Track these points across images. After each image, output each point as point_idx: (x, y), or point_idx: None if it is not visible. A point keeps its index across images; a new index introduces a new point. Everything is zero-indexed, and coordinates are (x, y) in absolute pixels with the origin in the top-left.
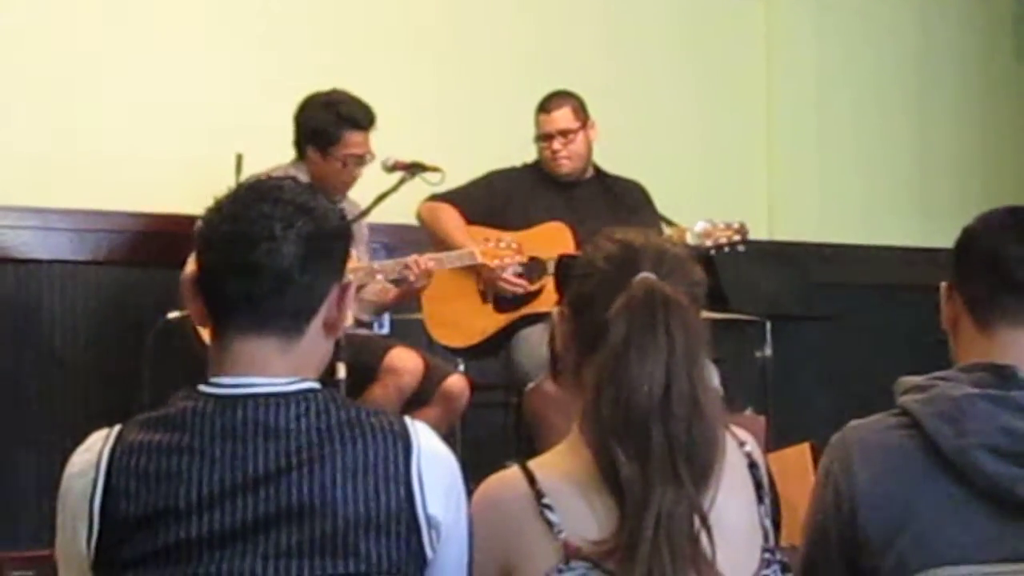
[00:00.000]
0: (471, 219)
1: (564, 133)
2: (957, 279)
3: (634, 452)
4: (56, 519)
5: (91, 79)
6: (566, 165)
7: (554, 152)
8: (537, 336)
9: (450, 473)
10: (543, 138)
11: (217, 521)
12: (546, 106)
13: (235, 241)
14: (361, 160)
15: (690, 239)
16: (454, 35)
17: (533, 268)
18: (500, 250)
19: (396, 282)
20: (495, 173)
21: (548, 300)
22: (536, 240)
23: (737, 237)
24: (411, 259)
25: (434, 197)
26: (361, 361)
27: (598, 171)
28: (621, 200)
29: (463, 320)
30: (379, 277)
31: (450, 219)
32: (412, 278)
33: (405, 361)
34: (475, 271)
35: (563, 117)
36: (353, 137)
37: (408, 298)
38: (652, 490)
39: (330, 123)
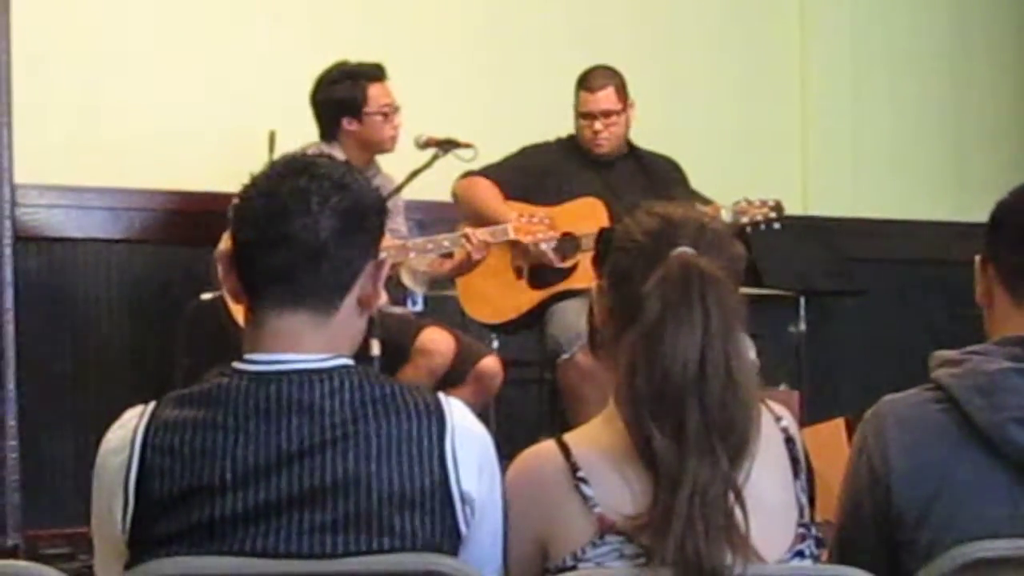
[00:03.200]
0: (507, 194)
1: (607, 114)
2: (991, 253)
3: (669, 427)
4: (91, 496)
5: (124, 58)
6: (605, 146)
7: (595, 132)
8: (571, 309)
9: (484, 449)
10: (584, 116)
11: (252, 498)
12: (590, 84)
13: (271, 215)
14: (395, 109)
15: (725, 216)
16: (486, 11)
17: (566, 244)
18: (533, 225)
19: (446, 255)
20: (529, 148)
21: (582, 277)
22: (570, 215)
23: (773, 215)
24: (466, 232)
25: (469, 173)
26: (393, 341)
27: (632, 147)
28: (655, 176)
29: (497, 296)
30: (445, 244)
31: (488, 193)
32: (471, 250)
33: (437, 342)
34: (509, 247)
35: (607, 98)
36: (376, 89)
37: (465, 270)
38: (687, 465)
39: (350, 87)
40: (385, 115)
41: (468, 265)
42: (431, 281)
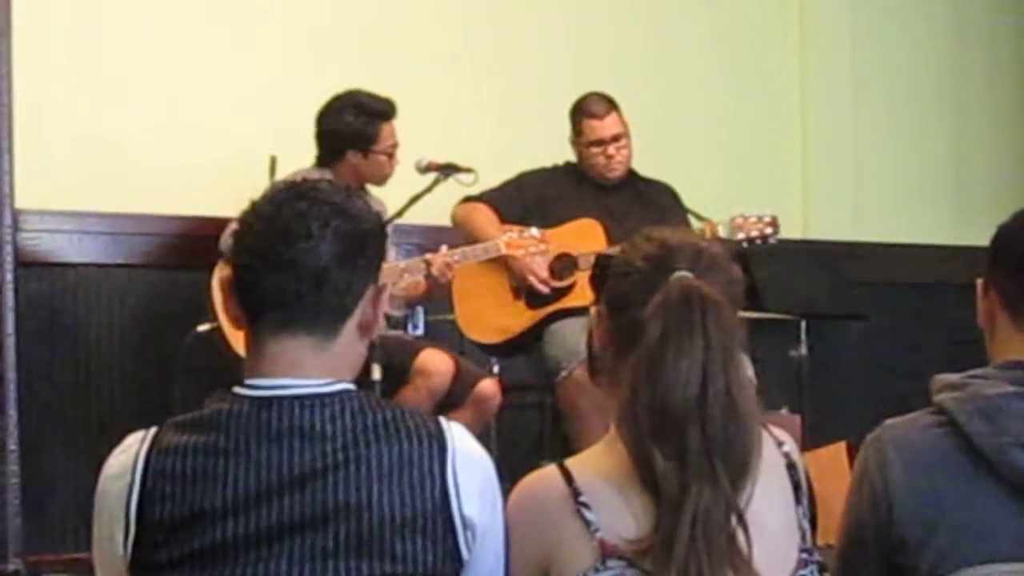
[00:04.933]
0: (506, 219)
1: (617, 138)
2: (993, 276)
3: (671, 451)
4: (93, 522)
5: (124, 84)
6: (619, 169)
7: (609, 158)
8: (569, 328)
9: (485, 474)
10: (595, 144)
11: (253, 523)
12: (595, 111)
13: (271, 239)
14: (396, 148)
15: (722, 232)
16: (487, 37)
17: (564, 264)
18: (523, 239)
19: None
20: (528, 174)
21: (579, 296)
22: (568, 236)
23: (769, 230)
24: (428, 256)
25: (469, 198)
26: (393, 363)
27: (631, 172)
28: (652, 202)
29: (494, 317)
30: (406, 276)
31: (485, 218)
32: (436, 273)
33: (436, 363)
34: (507, 268)
35: (614, 122)
36: (387, 129)
37: (437, 293)
38: (688, 489)
39: (365, 122)
40: (389, 155)
41: (439, 288)
42: (406, 303)
